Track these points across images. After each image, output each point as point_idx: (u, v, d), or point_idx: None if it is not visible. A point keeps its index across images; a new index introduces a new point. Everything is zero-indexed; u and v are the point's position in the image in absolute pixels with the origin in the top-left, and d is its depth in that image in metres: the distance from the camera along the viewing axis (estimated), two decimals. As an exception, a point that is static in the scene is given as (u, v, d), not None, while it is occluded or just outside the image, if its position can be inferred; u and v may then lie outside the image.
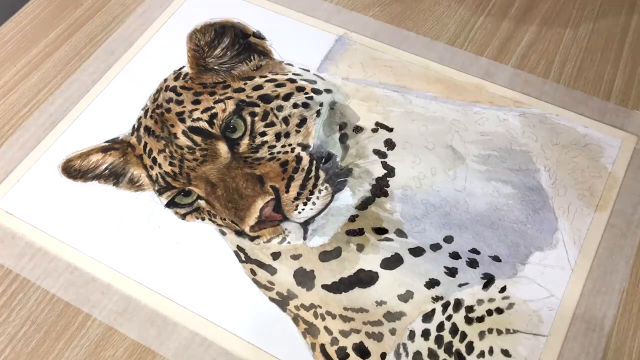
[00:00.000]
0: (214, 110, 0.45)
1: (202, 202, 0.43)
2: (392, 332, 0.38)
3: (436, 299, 0.39)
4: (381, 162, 0.44)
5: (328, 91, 0.47)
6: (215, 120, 0.45)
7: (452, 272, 0.40)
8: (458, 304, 0.39)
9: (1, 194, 0.45)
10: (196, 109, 0.45)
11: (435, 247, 0.41)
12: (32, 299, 0.41)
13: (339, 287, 0.40)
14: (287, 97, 0.46)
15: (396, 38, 0.52)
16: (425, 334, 0.38)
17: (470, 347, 0.38)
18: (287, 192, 0.42)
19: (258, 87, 0.46)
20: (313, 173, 0.43)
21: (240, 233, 0.42)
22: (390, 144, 0.45)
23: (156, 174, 0.44)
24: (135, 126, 0.47)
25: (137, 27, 0.53)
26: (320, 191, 0.42)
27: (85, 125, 0.48)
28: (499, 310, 0.39)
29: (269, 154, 0.43)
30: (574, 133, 0.46)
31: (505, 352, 0.37)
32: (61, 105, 0.49)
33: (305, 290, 0.40)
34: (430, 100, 0.48)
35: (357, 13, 0.53)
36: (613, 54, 0.50)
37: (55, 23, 0.54)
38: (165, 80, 0.49)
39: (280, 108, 0.45)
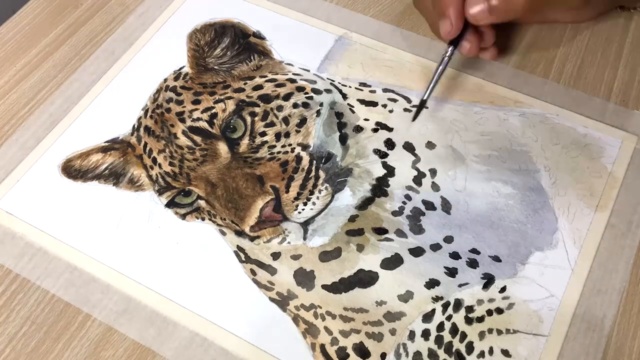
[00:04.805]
0: (214, 110, 0.45)
1: (202, 202, 0.43)
2: (392, 332, 0.38)
3: (436, 299, 0.39)
4: (381, 162, 0.44)
5: (328, 91, 0.47)
6: (215, 120, 0.45)
7: (452, 272, 0.40)
8: (458, 304, 0.39)
9: (1, 194, 0.45)
10: (196, 109, 0.45)
11: (435, 247, 0.41)
12: (32, 299, 0.41)
13: (339, 287, 0.40)
14: (287, 97, 0.46)
15: (396, 38, 0.52)
16: (425, 334, 0.38)
17: (470, 347, 0.38)
18: (287, 192, 0.42)
19: (258, 87, 0.46)
20: (313, 173, 0.43)
21: (240, 233, 0.42)
22: (390, 144, 0.45)
23: (156, 174, 0.44)
24: (135, 126, 0.47)
25: (137, 27, 0.53)
26: (320, 191, 0.42)
27: (85, 125, 0.48)
28: (499, 311, 0.39)
29: (269, 154, 0.43)
30: (574, 133, 0.46)
31: (505, 352, 0.37)
32: (61, 105, 0.49)
33: (305, 291, 0.40)
34: (430, 100, 0.48)
35: (357, 13, 0.53)
36: (613, 54, 0.50)
37: (55, 23, 0.54)
38: (165, 80, 0.49)
39: (280, 108, 0.45)
